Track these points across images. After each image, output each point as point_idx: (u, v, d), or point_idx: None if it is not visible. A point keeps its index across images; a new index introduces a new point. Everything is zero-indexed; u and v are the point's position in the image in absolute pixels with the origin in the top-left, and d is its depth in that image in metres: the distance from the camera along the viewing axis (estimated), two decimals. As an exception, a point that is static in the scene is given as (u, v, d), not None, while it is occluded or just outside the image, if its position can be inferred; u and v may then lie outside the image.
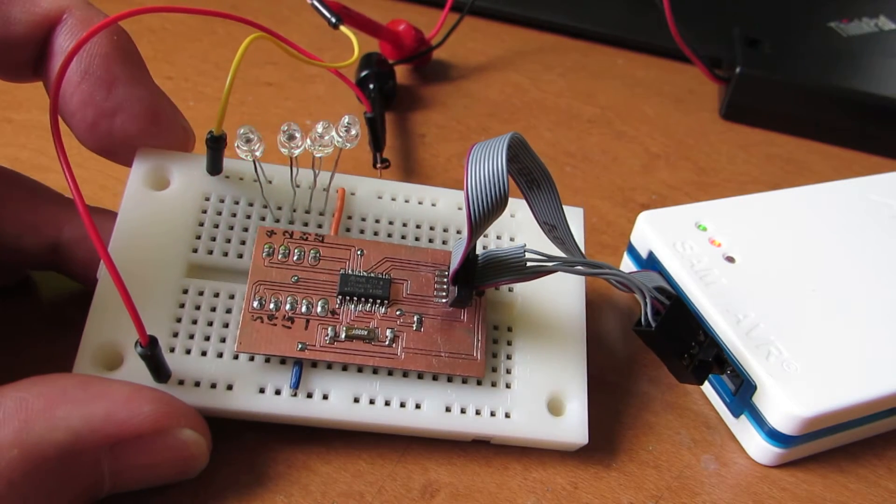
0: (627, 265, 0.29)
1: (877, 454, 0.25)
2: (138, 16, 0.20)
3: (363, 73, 0.35)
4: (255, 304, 0.22)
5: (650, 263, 0.28)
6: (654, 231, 0.27)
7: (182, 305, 0.22)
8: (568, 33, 0.43)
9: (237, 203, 0.24)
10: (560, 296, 0.25)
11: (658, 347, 0.22)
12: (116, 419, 0.19)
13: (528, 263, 0.22)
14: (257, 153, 0.22)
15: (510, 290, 0.25)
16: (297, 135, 0.22)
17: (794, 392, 0.23)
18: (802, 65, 0.39)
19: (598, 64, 0.42)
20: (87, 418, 0.19)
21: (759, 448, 0.24)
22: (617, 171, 0.35)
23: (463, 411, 0.22)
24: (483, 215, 0.20)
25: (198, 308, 0.22)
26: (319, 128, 0.23)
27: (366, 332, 0.22)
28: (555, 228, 0.22)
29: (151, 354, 0.20)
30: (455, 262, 0.22)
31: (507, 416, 0.23)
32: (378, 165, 0.31)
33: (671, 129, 0.38)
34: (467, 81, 0.39)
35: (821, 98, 0.38)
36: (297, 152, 0.22)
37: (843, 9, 0.45)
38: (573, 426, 0.23)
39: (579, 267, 0.22)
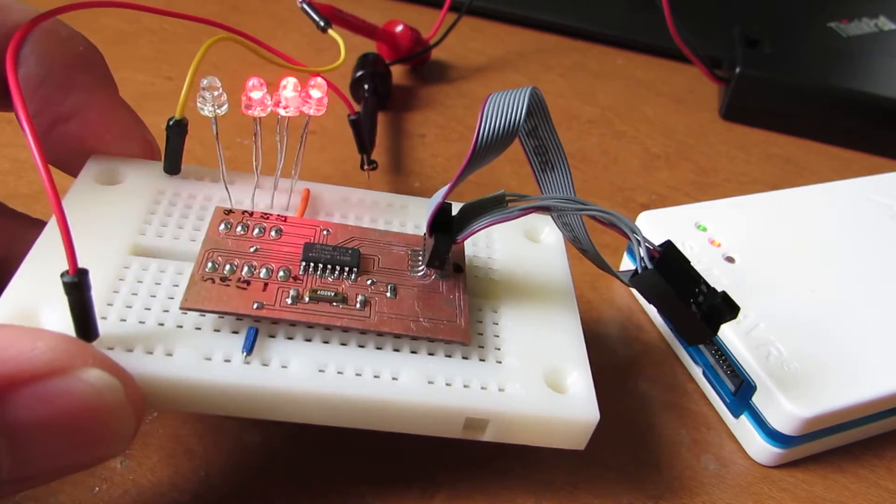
0: (628, 265, 0.29)
1: (877, 454, 0.25)
2: (136, 17, 0.20)
3: (358, 74, 0.35)
4: (208, 267, 0.19)
5: (650, 263, 0.28)
6: (654, 231, 0.27)
7: (122, 280, 0.20)
8: (568, 33, 0.43)
9: (193, 197, 0.22)
10: (544, 269, 0.23)
11: (660, 295, 0.20)
12: (1, 357, 0.15)
13: (510, 205, 0.20)
14: (220, 111, 0.21)
15: (492, 269, 0.23)
16: (261, 93, 0.21)
17: (794, 392, 0.23)
18: (802, 65, 0.39)
19: (598, 64, 0.42)
20: None
21: (759, 448, 0.24)
22: (617, 171, 0.35)
23: (448, 385, 0.19)
24: (492, 135, 0.18)
25: (140, 282, 0.20)
26: (287, 93, 0.21)
27: (333, 294, 0.20)
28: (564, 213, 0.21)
29: (79, 284, 0.17)
30: (434, 203, 0.20)
31: (501, 390, 0.20)
32: (366, 167, 0.30)
33: (671, 129, 0.38)
34: (467, 81, 0.39)
35: (821, 98, 0.38)
36: (258, 112, 0.21)
37: (843, 9, 0.45)
38: (579, 401, 0.20)
39: (567, 204, 0.21)
